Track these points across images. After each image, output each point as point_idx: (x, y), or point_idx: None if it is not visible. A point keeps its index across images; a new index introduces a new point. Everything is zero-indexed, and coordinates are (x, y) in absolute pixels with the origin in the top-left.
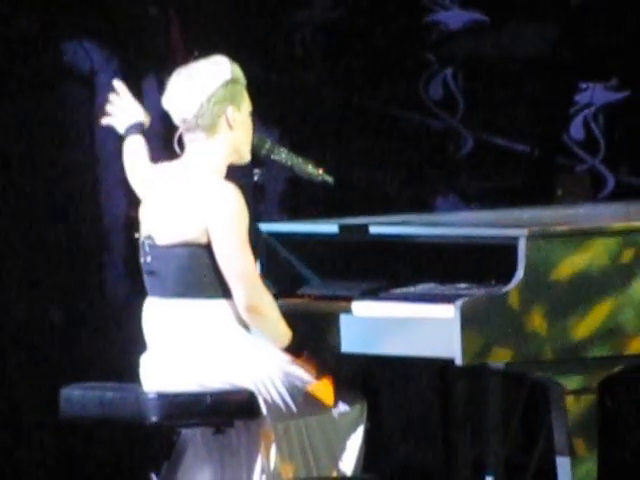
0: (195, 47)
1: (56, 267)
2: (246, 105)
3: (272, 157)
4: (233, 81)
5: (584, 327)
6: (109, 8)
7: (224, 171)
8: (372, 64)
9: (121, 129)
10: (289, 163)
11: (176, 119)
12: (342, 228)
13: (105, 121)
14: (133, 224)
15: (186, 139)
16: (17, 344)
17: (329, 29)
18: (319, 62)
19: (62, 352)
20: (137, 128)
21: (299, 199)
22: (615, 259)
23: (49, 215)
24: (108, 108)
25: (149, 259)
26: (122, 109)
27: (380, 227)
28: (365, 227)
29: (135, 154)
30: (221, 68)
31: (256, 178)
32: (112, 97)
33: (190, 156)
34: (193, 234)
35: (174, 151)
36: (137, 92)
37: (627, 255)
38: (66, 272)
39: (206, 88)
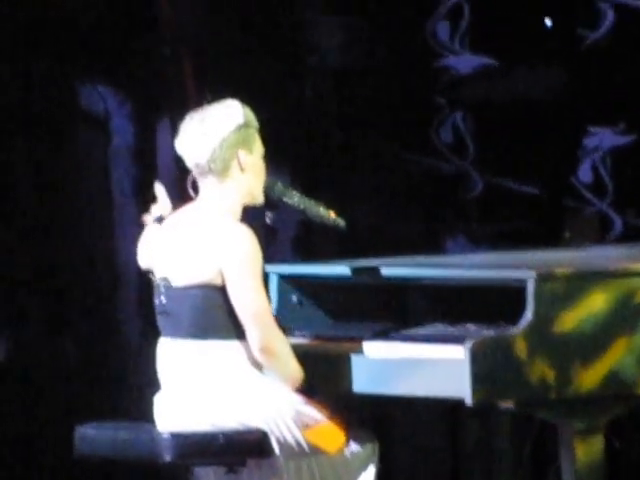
0: (208, 91)
1: (71, 307)
2: (258, 148)
3: (284, 200)
4: (245, 125)
5: (593, 368)
6: (123, 52)
7: (239, 213)
8: (383, 108)
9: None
10: (301, 206)
11: (189, 163)
12: (353, 270)
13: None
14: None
15: (199, 183)
16: (33, 383)
17: (341, 73)
18: (331, 106)
19: (77, 391)
20: (159, 220)
21: (311, 241)
22: (623, 301)
23: (63, 254)
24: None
25: (164, 300)
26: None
27: (391, 269)
28: (376, 269)
29: (148, 241)
30: (233, 112)
31: (268, 220)
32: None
33: (204, 199)
34: (208, 276)
35: (188, 194)
36: (150, 135)
37: (636, 297)
38: (81, 312)
39: (218, 132)
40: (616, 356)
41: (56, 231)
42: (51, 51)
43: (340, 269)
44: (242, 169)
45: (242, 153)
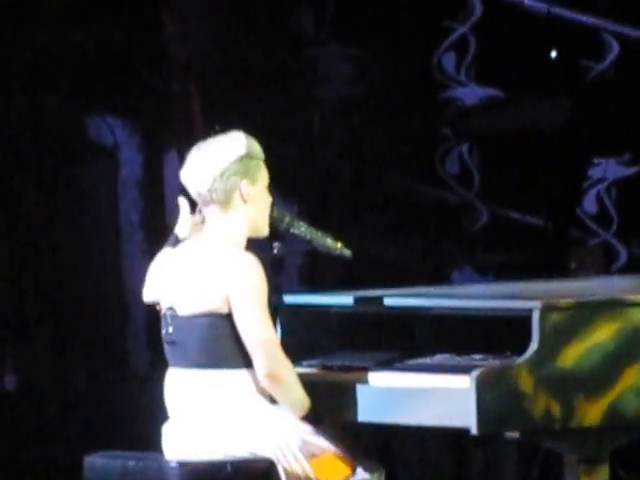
0: (216, 122)
1: (80, 337)
2: (262, 179)
3: (291, 231)
4: (248, 156)
5: (598, 399)
6: (132, 85)
7: (243, 243)
8: (390, 139)
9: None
10: (308, 237)
11: (192, 193)
12: (360, 300)
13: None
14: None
15: (204, 212)
16: (42, 412)
17: (348, 104)
18: (338, 137)
19: (86, 421)
20: (172, 242)
21: (317, 271)
22: (629, 332)
23: (72, 285)
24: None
25: (171, 330)
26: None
27: (397, 299)
28: (382, 299)
29: (153, 275)
30: (236, 144)
31: (275, 251)
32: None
33: (208, 229)
34: (214, 304)
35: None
36: (158, 167)
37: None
38: (90, 342)
39: (219, 162)
40: (621, 387)
41: (65, 261)
42: (61, 84)
43: (346, 299)
44: (244, 200)
45: (244, 183)
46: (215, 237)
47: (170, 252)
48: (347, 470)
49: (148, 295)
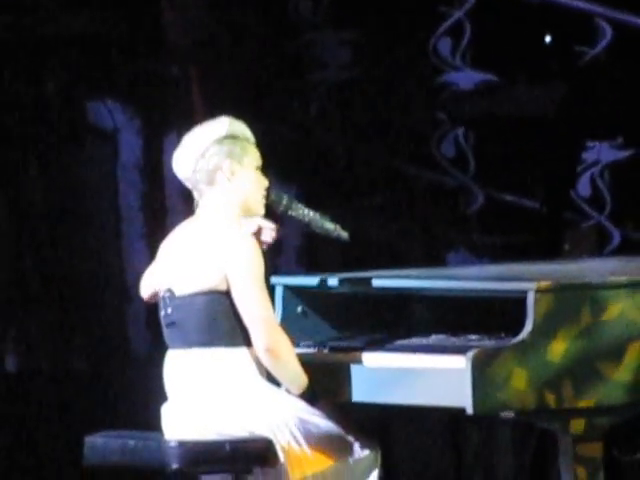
0: (214, 106)
1: (80, 319)
2: (250, 159)
3: (289, 213)
4: (230, 137)
5: (593, 378)
6: (131, 69)
7: (236, 220)
8: (386, 123)
9: None
10: (306, 219)
11: (181, 179)
12: (356, 281)
13: None
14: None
15: (195, 196)
16: (42, 393)
17: (343, 89)
18: (334, 121)
19: (86, 401)
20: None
21: (315, 253)
22: (622, 313)
23: (72, 267)
24: None
25: (169, 311)
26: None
27: (393, 280)
28: (378, 280)
29: (151, 273)
30: (217, 126)
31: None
32: None
33: (201, 210)
34: (212, 282)
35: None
36: (158, 150)
37: (634, 308)
38: (90, 324)
39: (200, 144)
40: (616, 365)
41: (65, 244)
42: (61, 68)
43: (343, 281)
44: (228, 179)
45: (227, 163)
46: (207, 215)
47: (174, 231)
48: (343, 447)
49: (144, 292)
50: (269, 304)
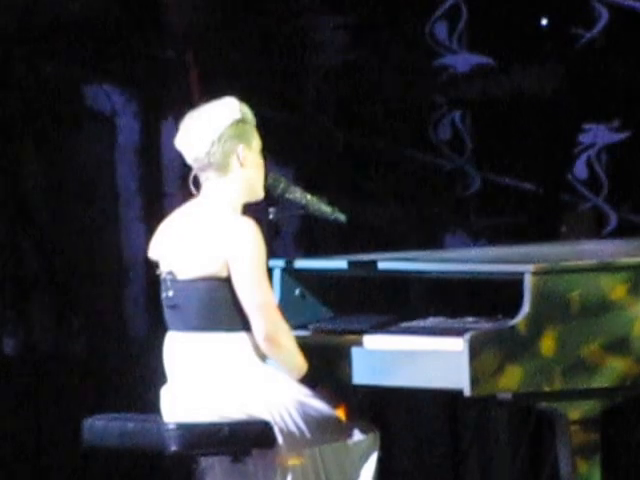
0: (211, 89)
1: (78, 302)
2: (256, 144)
3: (286, 196)
4: (242, 120)
5: (590, 360)
6: (129, 52)
7: (240, 208)
8: (383, 105)
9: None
10: (303, 202)
11: (189, 158)
12: (353, 264)
13: None
14: (153, 262)
15: (201, 178)
16: (41, 376)
17: (340, 72)
18: (332, 104)
19: (85, 384)
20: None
21: (312, 236)
22: (619, 295)
23: (71, 251)
24: None
25: (171, 293)
26: None
27: (390, 263)
28: (376, 263)
29: (161, 232)
30: (230, 108)
31: (271, 216)
32: None
33: (206, 194)
34: (213, 268)
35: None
36: (156, 133)
37: (631, 291)
38: (88, 306)
39: (217, 127)
40: (613, 345)
41: (63, 227)
42: (59, 51)
43: (341, 263)
44: (241, 164)
45: (241, 147)
46: (213, 201)
47: (179, 213)
48: (342, 429)
49: (153, 252)
50: (270, 292)
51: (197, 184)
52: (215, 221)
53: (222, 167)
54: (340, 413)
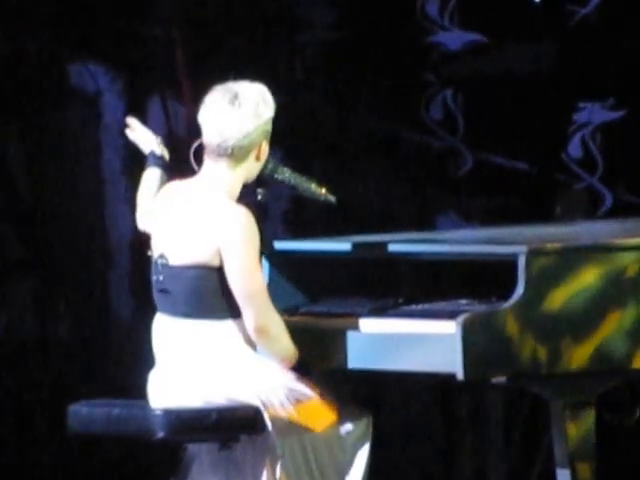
0: (198, 68)
1: (62, 285)
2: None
3: (275, 176)
4: (272, 117)
5: (583, 343)
6: (114, 30)
7: (237, 193)
8: (373, 84)
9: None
10: (292, 182)
11: (212, 139)
12: (344, 246)
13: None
14: (144, 242)
15: (207, 160)
16: (25, 361)
17: (330, 50)
18: (321, 82)
19: (69, 369)
20: (152, 160)
21: (302, 218)
22: (614, 276)
23: (55, 233)
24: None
25: (161, 278)
26: (137, 141)
27: (382, 245)
28: (367, 245)
29: (144, 187)
30: (269, 103)
31: (259, 197)
32: (127, 132)
33: (208, 178)
34: (205, 256)
35: (180, 170)
36: (142, 112)
37: (626, 272)
38: (72, 290)
39: (255, 120)
40: (607, 331)
41: (47, 209)
42: (43, 29)
43: (332, 245)
44: (258, 158)
45: (264, 143)
46: (214, 187)
47: (174, 188)
48: (332, 416)
49: (143, 224)
50: (261, 281)
51: (195, 158)
52: (211, 207)
53: (239, 159)
54: (325, 405)
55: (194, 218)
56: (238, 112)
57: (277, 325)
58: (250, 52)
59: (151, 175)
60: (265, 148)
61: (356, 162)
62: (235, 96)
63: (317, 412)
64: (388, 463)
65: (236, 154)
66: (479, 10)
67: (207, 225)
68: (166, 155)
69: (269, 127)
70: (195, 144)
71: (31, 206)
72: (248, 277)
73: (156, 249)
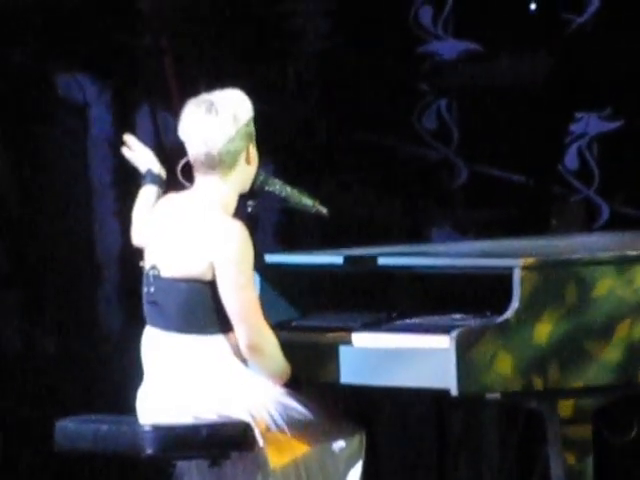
0: (187, 79)
1: (50, 298)
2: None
3: (266, 188)
4: (252, 117)
5: (580, 356)
6: (102, 42)
7: (233, 206)
8: (366, 94)
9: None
10: (283, 194)
11: (196, 152)
12: (336, 260)
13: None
14: (134, 254)
15: (197, 173)
16: (12, 376)
17: (323, 60)
18: (313, 93)
19: (56, 384)
20: (149, 179)
21: (293, 230)
22: (611, 291)
23: (43, 246)
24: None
25: (152, 290)
26: (134, 160)
27: (375, 258)
28: (361, 258)
29: (140, 204)
30: (245, 105)
31: (250, 209)
32: (124, 150)
33: (201, 190)
34: (198, 270)
35: (170, 182)
36: (130, 124)
37: (624, 285)
38: (60, 303)
39: (234, 124)
40: (605, 346)
41: (34, 220)
42: (30, 40)
43: (324, 258)
44: (249, 162)
45: (251, 146)
46: (208, 199)
47: (169, 201)
48: (293, 454)
49: (138, 239)
50: (254, 298)
51: (184, 175)
52: (205, 221)
53: (229, 166)
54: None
55: (189, 231)
56: (217, 119)
57: (270, 342)
58: (241, 63)
59: (148, 193)
60: (253, 151)
61: (349, 173)
62: (211, 104)
63: (281, 446)
64: (381, 479)
65: (225, 161)
66: (474, 19)
67: (201, 239)
68: (163, 174)
69: (251, 129)
70: (182, 162)
71: (18, 219)
72: (241, 293)
73: (148, 260)
